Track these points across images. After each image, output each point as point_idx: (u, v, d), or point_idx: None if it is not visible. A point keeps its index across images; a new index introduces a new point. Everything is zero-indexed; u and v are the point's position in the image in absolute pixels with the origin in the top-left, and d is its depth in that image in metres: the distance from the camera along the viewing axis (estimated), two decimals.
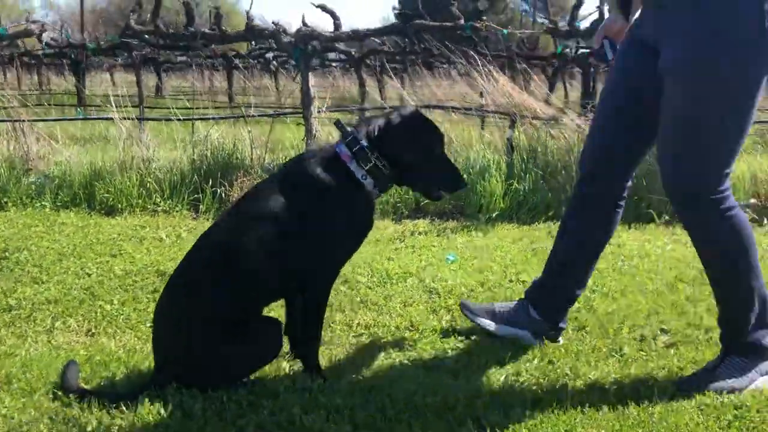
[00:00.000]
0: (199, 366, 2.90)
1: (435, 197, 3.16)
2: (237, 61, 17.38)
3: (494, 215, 6.13)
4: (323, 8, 6.95)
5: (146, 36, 8.64)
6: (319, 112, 6.84)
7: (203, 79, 22.23)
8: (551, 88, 15.07)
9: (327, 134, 6.82)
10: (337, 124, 3.08)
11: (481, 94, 7.75)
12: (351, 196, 2.95)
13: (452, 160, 3.18)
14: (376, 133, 2.96)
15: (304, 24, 6.59)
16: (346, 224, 2.98)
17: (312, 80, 6.79)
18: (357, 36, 6.93)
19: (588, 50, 11.14)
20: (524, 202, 6.24)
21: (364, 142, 2.95)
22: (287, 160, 3.31)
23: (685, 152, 2.88)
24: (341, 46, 11.06)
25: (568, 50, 11.11)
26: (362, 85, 11.83)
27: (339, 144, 3.00)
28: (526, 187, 6.36)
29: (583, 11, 11.44)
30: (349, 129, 3.02)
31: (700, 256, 3.13)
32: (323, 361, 3.22)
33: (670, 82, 2.84)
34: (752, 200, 6.23)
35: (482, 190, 6.30)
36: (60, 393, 2.89)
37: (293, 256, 2.92)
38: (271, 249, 2.89)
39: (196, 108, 9.83)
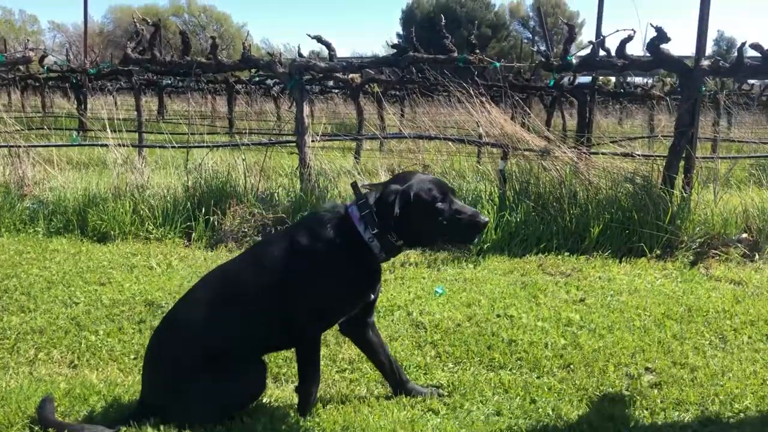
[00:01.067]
0: (185, 401, 2.89)
1: (458, 248, 3.13)
2: (238, 86, 17.51)
3: (485, 247, 6.12)
4: (319, 39, 7.01)
5: (146, 65, 8.71)
6: (313, 140, 6.87)
7: (206, 103, 22.42)
8: (549, 119, 15.19)
9: (320, 163, 6.85)
10: (354, 186, 3.12)
11: (478, 124, 7.79)
12: (355, 256, 2.97)
13: (462, 209, 3.01)
14: (381, 201, 2.95)
15: (300, 54, 6.65)
16: (346, 284, 2.99)
17: (307, 109, 6.83)
18: (351, 68, 6.98)
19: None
20: (516, 234, 6.24)
21: (375, 207, 2.98)
22: (304, 215, 3.33)
23: None
24: (339, 74, 11.13)
25: (564, 81, 11.19)
26: (360, 113, 11.91)
27: (351, 205, 3.04)
28: (518, 219, 6.36)
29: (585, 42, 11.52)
30: (363, 191, 3.06)
31: None
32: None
33: None
34: (744, 235, 6.22)
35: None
36: (37, 428, 2.87)
37: (290, 307, 2.94)
38: (270, 297, 2.93)
39: (195, 134, 9.87)
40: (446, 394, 3.34)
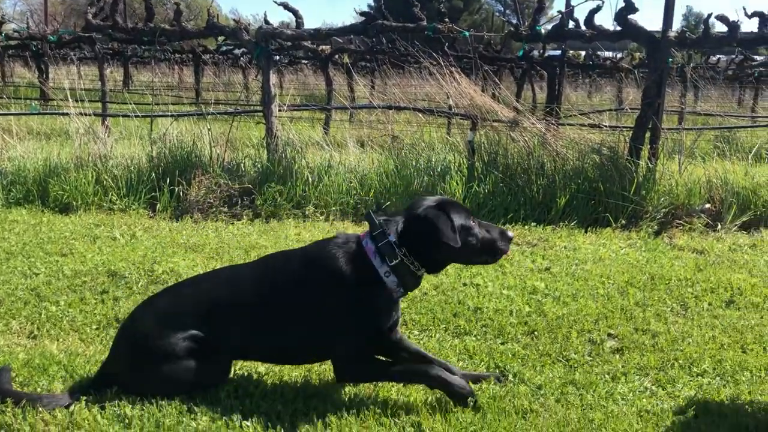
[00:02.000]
0: (151, 377, 2.86)
1: (489, 258, 3.01)
2: (205, 56, 17.18)
3: None
4: (285, 6, 6.88)
5: (110, 31, 8.49)
6: (280, 110, 6.78)
7: (173, 73, 22.00)
8: (519, 91, 15.19)
9: (287, 133, 6.77)
10: (367, 216, 2.93)
11: (448, 96, 7.75)
12: (370, 294, 2.82)
13: (485, 231, 2.95)
14: (402, 229, 2.82)
15: (266, 22, 6.52)
16: (359, 322, 2.84)
17: (273, 78, 6.73)
18: (319, 36, 6.87)
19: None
20: (484, 205, 6.26)
21: (393, 237, 2.82)
22: (312, 243, 3.16)
23: None
24: (308, 44, 10.98)
25: (534, 54, 11.17)
26: (329, 84, 11.77)
27: (366, 237, 2.87)
28: (486, 190, 6.38)
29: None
30: (378, 221, 2.87)
31: None
32: (261, 370, 3.19)
33: None
34: (707, 205, 6.33)
35: (443, 192, 6.30)
36: None
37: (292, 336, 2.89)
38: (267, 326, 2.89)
39: (160, 104, 9.68)
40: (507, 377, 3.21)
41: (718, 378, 3.27)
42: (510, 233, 2.99)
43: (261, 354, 3.03)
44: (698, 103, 15.99)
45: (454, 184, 6.34)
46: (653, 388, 3.15)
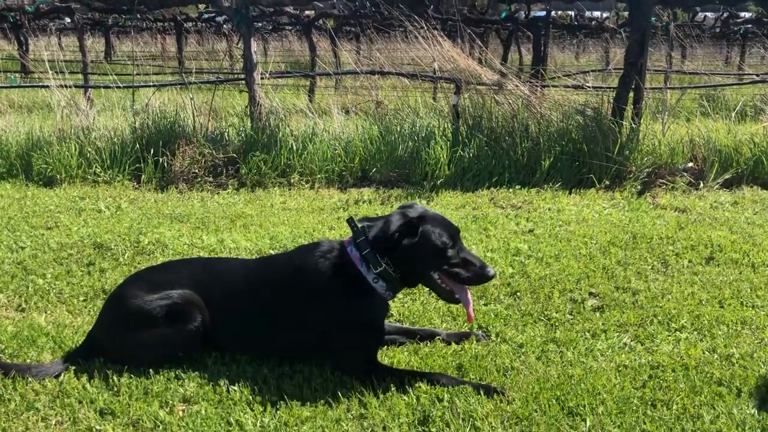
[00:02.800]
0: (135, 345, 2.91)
1: (452, 301, 2.92)
2: (188, 24, 16.93)
3: (439, 182, 6.16)
4: None
5: (88, 1, 8.36)
6: (263, 78, 6.73)
7: (155, 43, 21.67)
8: (505, 53, 15.09)
9: (270, 101, 6.74)
10: (350, 222, 2.89)
11: (433, 59, 7.69)
12: (362, 301, 2.82)
13: (471, 260, 2.86)
14: (383, 237, 2.77)
15: None
16: (354, 329, 2.83)
17: (255, 45, 6.67)
18: (299, 0, 6.80)
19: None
20: (468, 169, 6.28)
21: (374, 242, 2.79)
22: (293, 249, 3.15)
23: None
24: (290, 9, 10.84)
25: (519, 15, 11.09)
26: (312, 50, 11.65)
27: (349, 244, 2.85)
28: (471, 154, 6.39)
29: None
30: (360, 226, 2.85)
31: None
32: None
33: None
34: (689, 164, 6.37)
35: (427, 158, 6.32)
36: None
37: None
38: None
39: (143, 74, 9.57)
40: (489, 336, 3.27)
41: (695, 332, 3.34)
42: (491, 271, 2.84)
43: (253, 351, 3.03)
44: (685, 62, 15.95)
45: (439, 149, 6.34)
46: (632, 343, 3.22)
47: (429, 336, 3.20)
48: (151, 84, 7.24)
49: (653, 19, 6.61)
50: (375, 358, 2.90)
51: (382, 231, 2.78)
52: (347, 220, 2.91)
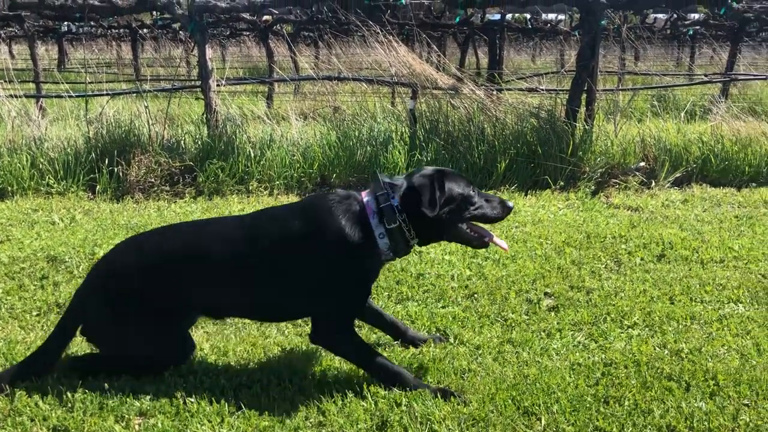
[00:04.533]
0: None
1: (483, 246, 3.01)
2: (144, 31, 16.69)
3: None
4: None
5: (37, 10, 8.19)
6: (219, 85, 6.69)
7: (110, 50, 21.33)
8: (463, 57, 15.25)
9: (227, 108, 6.70)
10: (374, 176, 2.91)
11: (390, 65, 7.73)
12: (362, 252, 2.79)
13: (489, 197, 2.99)
14: (402, 194, 2.80)
15: None
16: (345, 279, 2.83)
17: (210, 52, 6.61)
18: (253, 7, 6.78)
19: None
20: None
21: (396, 201, 2.80)
22: (312, 194, 3.13)
23: None
24: (246, 15, 10.78)
25: (474, 18, 11.21)
26: (270, 56, 11.60)
27: (369, 195, 2.85)
28: (429, 158, 6.44)
29: None
30: (385, 181, 2.85)
31: None
32: (206, 347, 3.22)
33: None
34: (641, 163, 6.53)
35: (386, 162, 6.35)
36: None
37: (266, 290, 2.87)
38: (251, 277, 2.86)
39: (97, 83, 9.42)
40: (448, 338, 3.31)
41: (647, 329, 3.44)
42: (510, 203, 3.00)
43: (239, 310, 3.03)
44: (637, 64, 16.29)
45: (397, 153, 6.39)
46: (586, 342, 3.29)
47: (396, 332, 3.22)
48: (105, 93, 7.12)
49: (605, 21, 6.75)
50: (353, 325, 2.92)
51: (411, 187, 2.80)
52: (372, 174, 2.96)
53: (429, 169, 2.92)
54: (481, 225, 2.98)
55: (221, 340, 3.31)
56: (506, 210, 2.98)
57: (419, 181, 2.82)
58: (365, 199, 2.84)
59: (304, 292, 2.83)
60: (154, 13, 12.70)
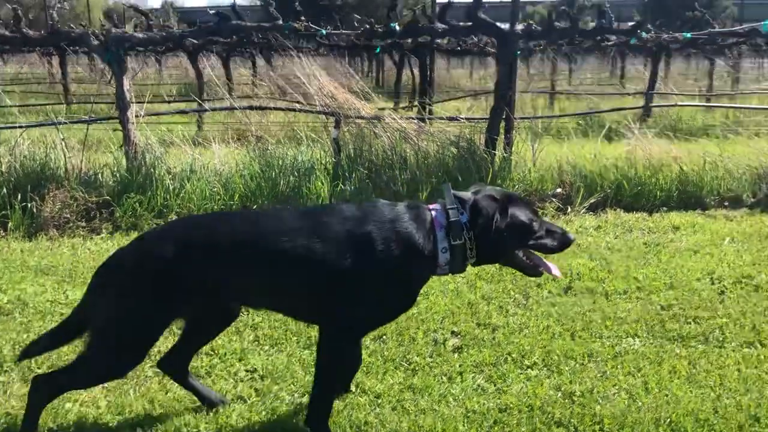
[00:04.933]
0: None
1: (537, 274, 3.07)
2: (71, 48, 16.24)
3: None
4: (136, 9, 6.66)
5: None
6: (137, 116, 6.58)
7: (42, 64, 20.79)
8: (399, 75, 15.41)
9: (145, 138, 6.60)
10: (446, 189, 2.89)
11: (314, 94, 7.74)
12: (423, 261, 2.78)
13: (552, 228, 3.02)
14: (484, 214, 2.80)
15: (115, 25, 6.28)
16: (393, 286, 2.78)
17: (127, 83, 6.50)
18: (171, 38, 6.71)
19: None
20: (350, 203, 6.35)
21: (465, 218, 2.81)
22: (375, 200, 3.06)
23: None
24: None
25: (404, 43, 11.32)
26: (199, 76, 11.48)
27: (438, 209, 2.86)
28: (352, 187, 6.48)
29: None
30: (457, 195, 2.86)
31: None
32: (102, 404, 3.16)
33: None
34: (558, 189, 6.71)
35: (308, 192, 6.36)
36: None
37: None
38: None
39: (12, 106, 9.12)
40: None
41: (545, 369, 3.52)
42: (572, 236, 3.04)
43: (278, 303, 2.94)
44: (571, 75, 16.74)
45: (320, 183, 6.40)
46: (486, 385, 3.36)
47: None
48: (18, 125, 6.92)
49: (518, 52, 6.92)
50: (361, 333, 2.96)
51: (479, 209, 2.82)
52: (443, 186, 2.94)
53: (498, 191, 2.96)
54: (537, 253, 3.04)
55: (120, 395, 3.25)
56: (565, 244, 3.02)
57: (491, 204, 2.84)
58: (434, 212, 2.87)
59: (352, 290, 2.75)
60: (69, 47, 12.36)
